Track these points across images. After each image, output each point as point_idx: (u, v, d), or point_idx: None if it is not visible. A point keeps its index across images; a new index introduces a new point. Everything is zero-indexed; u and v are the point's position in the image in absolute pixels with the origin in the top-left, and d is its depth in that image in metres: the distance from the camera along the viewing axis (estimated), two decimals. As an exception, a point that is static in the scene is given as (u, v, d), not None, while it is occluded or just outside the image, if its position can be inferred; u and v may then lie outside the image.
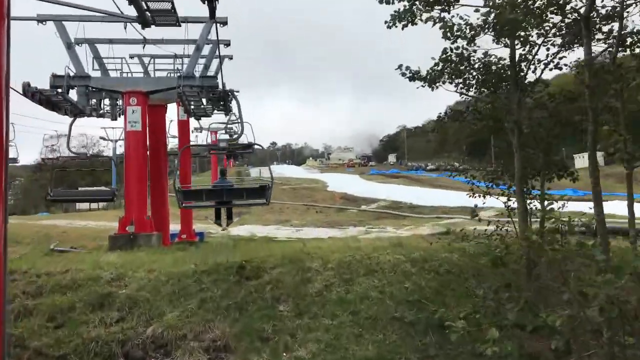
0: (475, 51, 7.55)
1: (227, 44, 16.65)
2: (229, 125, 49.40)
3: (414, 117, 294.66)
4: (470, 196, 8.94)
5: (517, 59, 7.58)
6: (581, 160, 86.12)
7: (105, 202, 18.68)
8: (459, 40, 7.12)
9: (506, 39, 7.21)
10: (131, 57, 17.82)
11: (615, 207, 36.08)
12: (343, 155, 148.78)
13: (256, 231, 29.96)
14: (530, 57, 7.66)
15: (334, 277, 7.52)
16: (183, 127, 24.06)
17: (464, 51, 7.38)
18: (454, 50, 7.31)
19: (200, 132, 54.12)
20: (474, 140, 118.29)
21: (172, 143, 37.43)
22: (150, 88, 13.68)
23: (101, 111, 15.55)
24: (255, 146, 20.28)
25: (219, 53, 13.72)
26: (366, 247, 8.98)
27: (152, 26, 11.31)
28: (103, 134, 47.77)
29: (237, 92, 18.38)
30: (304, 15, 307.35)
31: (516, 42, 7.37)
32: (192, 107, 14.97)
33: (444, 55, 7.38)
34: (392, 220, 37.87)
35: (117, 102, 15.63)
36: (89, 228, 31.42)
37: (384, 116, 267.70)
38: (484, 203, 8.54)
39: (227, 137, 45.51)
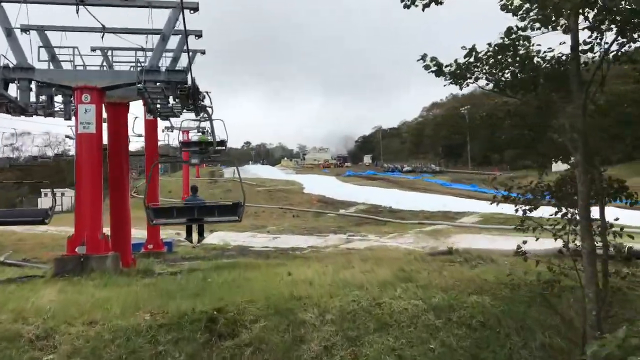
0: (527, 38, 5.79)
1: (199, 34, 14.56)
2: (201, 124, 47.13)
3: (388, 118, 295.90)
4: (519, 228, 7.12)
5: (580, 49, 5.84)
6: (558, 164, 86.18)
7: (35, 224, 15.32)
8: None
9: (565, 21, 5.48)
10: (93, 50, 15.68)
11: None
12: (318, 155, 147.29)
13: (230, 239, 27.89)
14: (601, 47, 5.91)
15: (336, 334, 5.70)
16: (150, 127, 21.96)
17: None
18: (521, 31, 5.56)
19: (171, 131, 51.56)
20: (450, 142, 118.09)
21: (139, 142, 35.02)
22: (107, 83, 11.32)
23: (50, 110, 13.43)
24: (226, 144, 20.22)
25: (187, 44, 11.71)
26: (370, 284, 7.18)
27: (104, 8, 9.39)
28: (69, 132, 44.68)
29: (209, 98, 16.77)
30: (271, 13, 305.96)
31: (582, 25, 5.62)
32: (158, 105, 12.94)
33: (507, 39, 5.62)
34: (373, 226, 36.21)
35: (72, 98, 13.50)
36: (48, 235, 28.99)
37: (358, 117, 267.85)
38: (537, 237, 6.75)
39: (203, 136, 43.29)
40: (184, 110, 14.91)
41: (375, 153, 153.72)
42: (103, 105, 14.16)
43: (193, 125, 45.05)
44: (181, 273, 11.78)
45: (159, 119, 21.66)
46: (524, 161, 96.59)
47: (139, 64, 11.57)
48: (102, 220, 11.56)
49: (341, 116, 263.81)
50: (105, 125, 13.84)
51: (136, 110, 24.65)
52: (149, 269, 12.50)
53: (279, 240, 27.42)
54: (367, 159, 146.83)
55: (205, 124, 35.50)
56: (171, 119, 44.97)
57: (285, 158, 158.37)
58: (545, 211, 7.84)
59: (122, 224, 14.32)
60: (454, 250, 12.19)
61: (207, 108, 17.29)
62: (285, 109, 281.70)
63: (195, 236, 16.65)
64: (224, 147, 26.70)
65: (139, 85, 10.64)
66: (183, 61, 13.62)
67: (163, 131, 51.13)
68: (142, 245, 21.95)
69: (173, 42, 14.82)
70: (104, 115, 12.93)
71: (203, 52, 19.32)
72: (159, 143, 50.77)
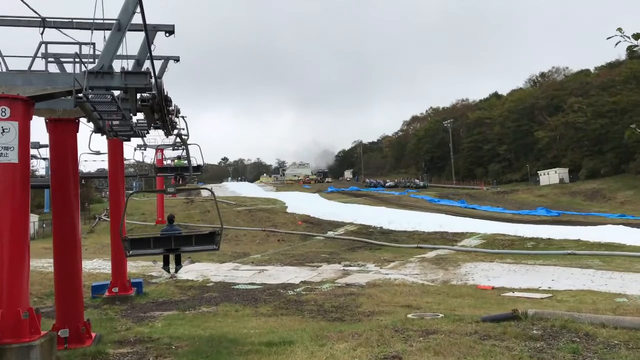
0: None
1: (170, 30, 11.08)
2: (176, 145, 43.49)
3: (367, 132, 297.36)
4: None
5: None
6: (546, 177, 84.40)
7: None
8: None
9: None
10: (43, 57, 12.09)
11: (616, 234, 32.34)
12: (298, 171, 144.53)
13: (210, 273, 24.27)
14: None
15: None
16: (114, 146, 18.19)
17: None
18: None
19: (144, 149, 47.91)
20: (432, 156, 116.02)
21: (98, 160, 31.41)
22: (35, 91, 7.76)
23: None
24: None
25: (147, 37, 8.33)
26: None
27: None
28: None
29: (184, 122, 14.30)
30: (243, 26, 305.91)
31: None
32: (111, 121, 9.41)
33: None
34: (368, 251, 32.98)
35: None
36: None
37: (335, 131, 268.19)
38: None
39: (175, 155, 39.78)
40: (151, 129, 11.39)
41: (356, 168, 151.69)
42: (45, 123, 10.75)
43: (168, 142, 41.41)
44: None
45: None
46: (508, 175, 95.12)
47: (83, 64, 8.12)
48: (27, 289, 7.96)
49: (318, 131, 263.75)
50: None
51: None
52: (100, 351, 8.89)
53: (266, 274, 23.85)
54: (347, 174, 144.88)
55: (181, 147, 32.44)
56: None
57: (265, 174, 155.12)
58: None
59: (71, 281, 10.74)
60: (521, 314, 8.90)
61: (182, 131, 14.28)
62: (261, 124, 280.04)
63: (172, 265, 15.96)
64: (199, 172, 24.54)
65: (80, 94, 7.13)
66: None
67: (135, 149, 47.34)
68: (107, 287, 18.35)
69: (136, 44, 11.39)
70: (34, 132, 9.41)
71: (177, 60, 15.92)
72: (131, 161, 46.60)
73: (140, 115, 12.81)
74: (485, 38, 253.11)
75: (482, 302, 16.01)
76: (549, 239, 32.19)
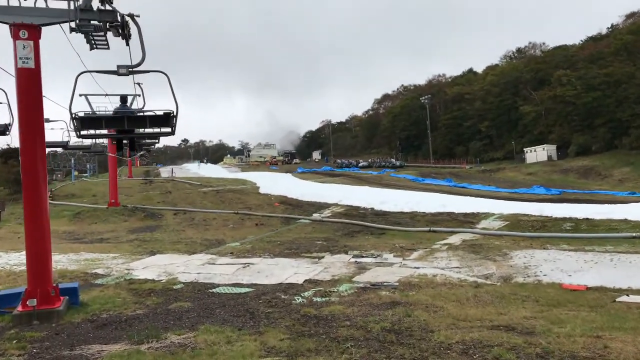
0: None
1: None
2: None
3: (335, 112, 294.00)
4: None
5: None
6: (533, 155, 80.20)
7: None
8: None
9: None
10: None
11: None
12: (264, 152, 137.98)
13: (176, 270, 17.48)
14: None
15: None
16: (29, 84, 11.16)
17: None
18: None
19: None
20: (407, 134, 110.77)
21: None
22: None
23: None
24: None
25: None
26: None
27: None
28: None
29: (138, 16, 10.15)
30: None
31: None
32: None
33: None
34: (370, 236, 26.96)
35: None
36: None
37: (300, 111, 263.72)
38: None
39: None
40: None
41: (325, 149, 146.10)
42: None
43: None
44: None
45: (43, 69, 11.29)
46: (490, 154, 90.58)
47: None
48: None
49: (282, 111, 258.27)
50: None
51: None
52: None
53: (254, 270, 17.22)
54: (316, 155, 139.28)
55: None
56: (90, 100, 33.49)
57: (229, 155, 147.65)
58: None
59: None
60: None
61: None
62: (221, 107, 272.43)
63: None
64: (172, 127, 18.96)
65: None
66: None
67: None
68: (20, 296, 11.68)
69: None
70: None
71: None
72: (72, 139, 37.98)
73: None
74: (451, 19, 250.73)
75: (620, 319, 10.03)
76: (587, 219, 26.94)
